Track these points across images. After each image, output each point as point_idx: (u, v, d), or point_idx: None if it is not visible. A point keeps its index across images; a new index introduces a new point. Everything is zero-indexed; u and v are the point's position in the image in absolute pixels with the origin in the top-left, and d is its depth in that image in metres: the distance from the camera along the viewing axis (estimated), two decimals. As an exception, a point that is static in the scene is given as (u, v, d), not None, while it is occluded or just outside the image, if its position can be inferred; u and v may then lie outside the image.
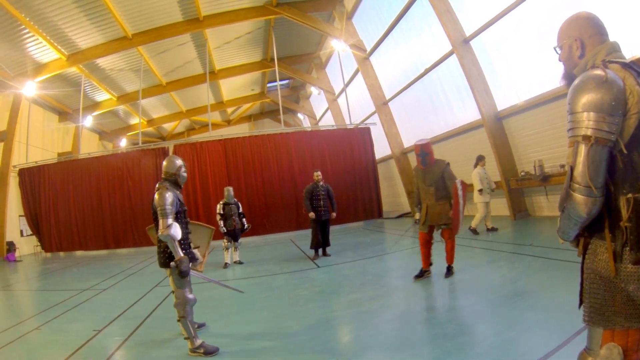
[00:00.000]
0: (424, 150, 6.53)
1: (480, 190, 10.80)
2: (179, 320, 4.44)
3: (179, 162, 4.77)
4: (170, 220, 4.29)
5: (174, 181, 4.71)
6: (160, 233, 4.26)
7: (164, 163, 4.78)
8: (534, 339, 3.66)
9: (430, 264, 6.71)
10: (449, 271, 6.58)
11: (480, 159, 11.20)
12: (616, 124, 1.69)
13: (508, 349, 3.59)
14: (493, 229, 10.85)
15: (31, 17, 15.31)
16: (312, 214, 10.16)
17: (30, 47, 17.19)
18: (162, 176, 4.74)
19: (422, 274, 6.65)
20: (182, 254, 4.30)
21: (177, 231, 4.29)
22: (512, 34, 11.91)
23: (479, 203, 10.95)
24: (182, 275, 4.32)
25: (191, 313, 4.49)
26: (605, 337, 1.88)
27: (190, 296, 4.54)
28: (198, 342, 4.37)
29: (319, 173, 10.60)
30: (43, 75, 18.71)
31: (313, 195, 10.30)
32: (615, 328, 1.82)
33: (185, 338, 4.44)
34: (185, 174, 4.81)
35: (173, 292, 4.57)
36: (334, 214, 10.52)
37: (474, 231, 10.65)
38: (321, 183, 10.44)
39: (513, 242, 9.18)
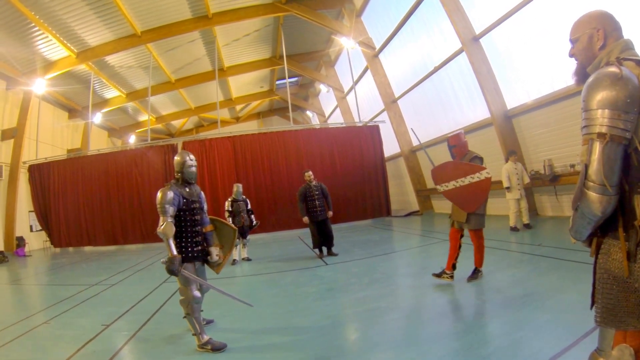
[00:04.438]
0: (449, 143, 6.21)
1: (507, 188, 10.52)
2: (185, 317, 4.47)
3: (184, 157, 4.75)
4: (168, 218, 4.33)
5: (181, 178, 4.72)
6: (157, 230, 4.32)
7: (175, 158, 4.81)
8: (543, 340, 3.63)
9: (454, 268, 6.07)
10: (473, 273, 6.09)
11: (510, 154, 10.83)
12: (631, 121, 1.68)
13: (517, 349, 3.57)
14: (528, 226, 10.47)
15: (41, 15, 15.41)
16: (305, 219, 10.09)
17: (40, 45, 17.31)
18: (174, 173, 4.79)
19: (440, 275, 6.12)
20: (175, 253, 4.28)
21: (169, 230, 4.31)
22: (522, 31, 11.81)
23: (510, 200, 10.66)
24: (169, 273, 4.29)
25: (197, 310, 4.51)
26: (617, 338, 1.87)
27: (196, 293, 4.55)
28: (205, 338, 4.39)
29: (310, 173, 10.37)
30: (53, 72, 18.86)
31: (307, 196, 10.12)
32: (627, 329, 1.81)
33: (193, 334, 4.46)
34: (191, 169, 4.76)
35: (201, 284, 4.63)
36: (330, 213, 10.26)
37: (514, 229, 10.35)
38: (314, 183, 10.24)
39: (522, 242, 9.12)
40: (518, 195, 10.53)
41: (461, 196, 5.74)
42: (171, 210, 4.39)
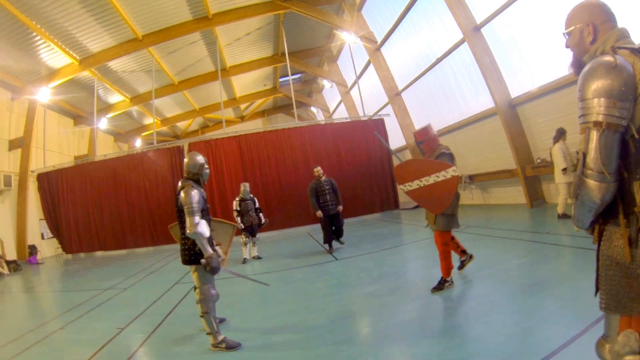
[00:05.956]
0: (416, 138, 5.74)
1: (564, 170, 9.40)
2: (202, 316, 4.50)
3: (201, 160, 4.75)
4: (197, 218, 4.28)
5: (196, 180, 4.71)
6: (188, 231, 4.26)
7: (185, 161, 4.76)
8: (552, 328, 3.64)
9: (465, 253, 6.04)
10: (439, 284, 5.47)
11: (561, 133, 9.71)
12: (627, 109, 1.69)
13: (526, 338, 3.59)
14: (565, 216, 9.30)
15: (42, 24, 15.48)
16: (319, 213, 10.13)
17: (43, 54, 17.40)
18: (184, 175, 4.74)
19: (462, 267, 6.04)
20: (211, 251, 4.32)
21: (205, 228, 4.32)
22: (524, 19, 11.73)
23: (562, 184, 9.49)
24: (212, 272, 4.35)
25: (214, 309, 4.56)
26: (623, 323, 1.88)
27: (214, 292, 4.60)
28: (220, 337, 4.44)
29: (319, 168, 10.52)
30: (56, 80, 18.95)
31: (318, 191, 10.24)
32: (632, 314, 1.82)
33: (207, 333, 4.51)
34: (207, 171, 4.79)
35: (196, 288, 4.61)
36: (340, 207, 10.39)
37: (564, 215, 9.31)
38: (323, 178, 10.35)
39: (530, 230, 9.11)
40: (572, 178, 9.03)
41: (426, 197, 5.34)
42: (199, 209, 4.35)
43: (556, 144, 9.70)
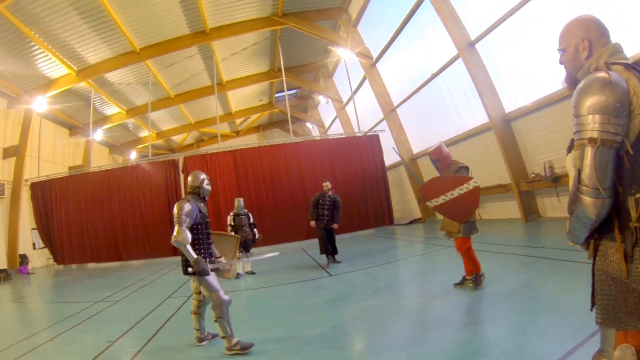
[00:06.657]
0: (431, 157, 6.19)
1: None
2: (216, 321, 4.60)
3: (202, 176, 5.09)
4: (182, 227, 4.48)
5: (197, 193, 4.98)
6: (172, 240, 4.47)
7: (189, 178, 5.10)
8: (548, 343, 3.62)
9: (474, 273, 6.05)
10: (476, 279, 5.90)
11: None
12: (621, 125, 1.70)
13: (522, 352, 3.56)
14: None
15: (41, 34, 15.56)
16: (312, 223, 10.38)
17: (41, 63, 17.48)
18: (187, 189, 5.05)
19: (462, 282, 6.13)
20: (195, 256, 4.47)
21: (186, 236, 4.47)
22: (517, 34, 11.88)
23: None
24: (201, 274, 4.51)
25: (227, 313, 4.65)
26: (619, 338, 1.88)
27: (226, 297, 4.69)
28: (234, 340, 4.53)
29: (328, 183, 10.69)
30: (53, 90, 19.01)
31: (318, 203, 10.45)
32: (628, 329, 1.82)
33: (222, 337, 4.61)
34: (208, 187, 5.09)
35: (196, 295, 4.85)
36: (335, 225, 10.48)
37: None
38: (329, 193, 10.50)
39: (525, 244, 9.11)
40: None
41: (452, 209, 5.72)
42: (187, 221, 4.56)
43: (569, 154, 9.70)
